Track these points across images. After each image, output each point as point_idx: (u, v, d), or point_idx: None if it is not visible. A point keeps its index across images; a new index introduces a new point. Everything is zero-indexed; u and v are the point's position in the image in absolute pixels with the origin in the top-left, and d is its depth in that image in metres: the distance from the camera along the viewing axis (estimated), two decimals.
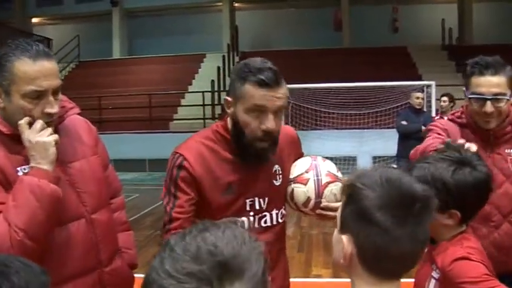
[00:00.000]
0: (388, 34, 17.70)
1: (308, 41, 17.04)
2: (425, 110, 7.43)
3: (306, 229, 6.34)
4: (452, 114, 2.14)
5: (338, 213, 1.06)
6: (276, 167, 1.73)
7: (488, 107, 1.94)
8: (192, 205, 1.63)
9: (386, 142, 9.44)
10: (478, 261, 1.32)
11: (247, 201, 1.68)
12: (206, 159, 1.64)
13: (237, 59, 16.49)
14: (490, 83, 1.93)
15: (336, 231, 1.06)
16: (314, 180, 1.66)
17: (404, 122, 6.67)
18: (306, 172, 1.69)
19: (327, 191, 1.65)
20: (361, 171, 1.04)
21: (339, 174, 1.72)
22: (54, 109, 1.49)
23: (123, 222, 1.88)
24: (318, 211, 1.66)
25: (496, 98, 1.94)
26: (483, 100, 1.95)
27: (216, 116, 13.46)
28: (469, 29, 16.62)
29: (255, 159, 1.63)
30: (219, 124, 1.69)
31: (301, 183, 1.69)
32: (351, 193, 1.02)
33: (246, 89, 1.56)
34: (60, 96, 1.57)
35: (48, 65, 1.47)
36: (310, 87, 10.48)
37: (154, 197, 8.90)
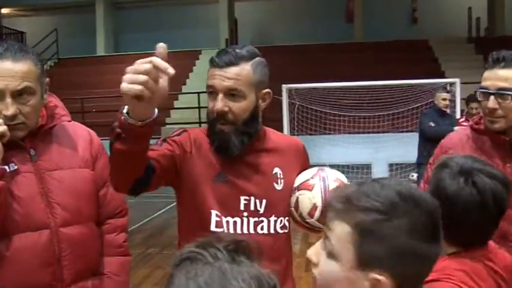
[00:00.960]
0: (407, 26, 17.74)
1: (316, 35, 17.09)
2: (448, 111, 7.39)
3: None
4: (473, 120, 2.15)
5: (342, 246, 1.00)
6: (277, 169, 1.77)
7: (491, 102, 1.93)
8: (170, 157, 1.66)
9: (405, 147, 9.43)
10: (455, 284, 1.28)
11: (242, 198, 1.70)
12: (204, 145, 1.72)
13: None
14: (496, 76, 1.93)
15: (337, 267, 1.01)
16: (320, 185, 1.69)
17: (432, 124, 6.63)
18: (312, 178, 1.72)
19: None
20: (358, 190, 1.00)
21: (347, 182, 1.74)
22: (9, 111, 1.59)
23: (118, 246, 1.92)
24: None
25: (500, 93, 1.93)
26: (487, 95, 1.95)
27: None
28: (500, 18, 16.57)
29: (219, 144, 1.69)
30: None
31: (307, 189, 1.72)
32: (365, 225, 0.96)
33: (207, 72, 1.70)
34: (54, 101, 1.74)
35: (9, 66, 1.58)
36: (318, 87, 10.51)
37: (145, 211, 8.89)
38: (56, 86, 12.84)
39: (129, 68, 1.36)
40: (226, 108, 1.65)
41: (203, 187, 1.69)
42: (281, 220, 1.75)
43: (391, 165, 10.99)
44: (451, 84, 9.51)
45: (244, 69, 1.65)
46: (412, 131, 9.74)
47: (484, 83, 1.96)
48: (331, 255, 1.02)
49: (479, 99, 1.99)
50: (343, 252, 0.99)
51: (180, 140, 1.71)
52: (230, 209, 1.69)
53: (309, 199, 1.69)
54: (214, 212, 1.68)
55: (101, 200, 1.86)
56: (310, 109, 10.75)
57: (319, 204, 1.67)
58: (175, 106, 14.34)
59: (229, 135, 1.67)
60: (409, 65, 13.78)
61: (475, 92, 2.02)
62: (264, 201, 1.72)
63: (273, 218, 1.73)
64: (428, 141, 6.36)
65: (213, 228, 1.67)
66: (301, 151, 1.87)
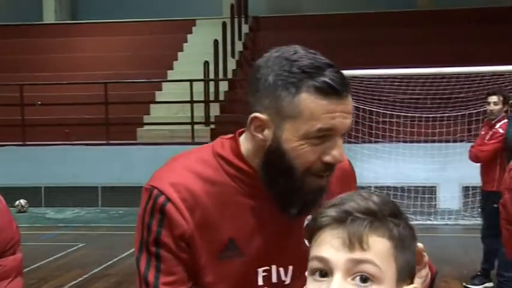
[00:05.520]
0: None
1: (360, 2, 17.07)
2: None
3: None
4: None
5: (386, 265, 1.18)
6: (309, 217, 1.69)
7: None
8: (186, 271, 1.66)
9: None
10: None
11: (260, 270, 1.70)
12: (200, 201, 1.66)
13: (245, 28, 16.53)
14: None
15: None
16: None
17: None
18: None
19: None
20: (375, 200, 1.23)
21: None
22: None
23: None
24: None
25: None
26: None
27: (212, 119, 13.47)
28: None
29: (302, 207, 1.66)
30: (226, 145, 1.72)
31: None
32: (399, 235, 1.22)
33: (301, 102, 1.58)
34: None
35: None
36: (361, 75, 10.49)
37: (111, 247, 8.88)
38: None
39: None
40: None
41: (205, 269, 1.67)
42: None
43: (466, 188, 10.90)
44: None
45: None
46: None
47: None
48: (375, 280, 1.17)
49: None
50: (387, 272, 1.18)
51: (173, 233, 1.64)
52: (244, 286, 1.70)
53: None
54: None
55: None
56: None
57: None
58: (158, 99, 14.37)
59: (323, 192, 1.66)
60: (496, 44, 13.69)
61: None
62: (290, 268, 1.71)
63: None
64: None
65: None
66: (350, 175, 1.86)
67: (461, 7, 15.75)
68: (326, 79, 1.55)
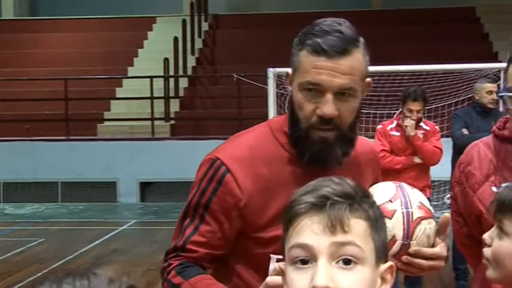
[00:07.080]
0: None
1: (317, 1, 17.13)
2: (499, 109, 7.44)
3: None
4: (497, 124, 2.22)
5: (366, 246, 1.21)
6: None
7: None
8: (220, 239, 1.86)
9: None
10: None
11: None
12: (260, 172, 1.86)
13: (205, 25, 16.50)
14: None
15: (366, 273, 1.21)
16: (403, 213, 1.81)
17: (465, 131, 6.65)
18: (391, 201, 1.83)
19: (418, 230, 1.81)
20: (349, 184, 1.24)
21: (432, 209, 1.88)
22: None
23: None
24: (405, 258, 1.80)
25: None
26: None
27: (172, 115, 13.44)
28: None
29: (316, 156, 1.83)
30: (282, 117, 1.94)
31: (385, 216, 1.76)
32: (374, 215, 1.23)
33: (300, 58, 1.80)
34: None
35: None
36: None
37: (71, 242, 8.81)
38: None
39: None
40: (337, 112, 1.78)
41: (269, 226, 1.82)
42: None
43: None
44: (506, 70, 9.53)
45: (358, 59, 1.78)
46: (447, 136, 9.81)
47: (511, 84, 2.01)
48: (358, 261, 1.20)
49: (509, 106, 2.04)
50: (368, 252, 1.21)
51: (224, 202, 1.83)
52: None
53: (388, 231, 1.74)
54: (275, 257, 1.80)
55: None
56: None
57: (400, 238, 1.80)
58: (118, 95, 14.28)
59: (332, 145, 1.82)
60: (446, 43, 13.86)
61: (499, 95, 2.07)
62: None
63: None
64: (461, 154, 6.21)
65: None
66: (377, 159, 2.08)
67: (415, 7, 15.92)
68: (320, 40, 1.75)
